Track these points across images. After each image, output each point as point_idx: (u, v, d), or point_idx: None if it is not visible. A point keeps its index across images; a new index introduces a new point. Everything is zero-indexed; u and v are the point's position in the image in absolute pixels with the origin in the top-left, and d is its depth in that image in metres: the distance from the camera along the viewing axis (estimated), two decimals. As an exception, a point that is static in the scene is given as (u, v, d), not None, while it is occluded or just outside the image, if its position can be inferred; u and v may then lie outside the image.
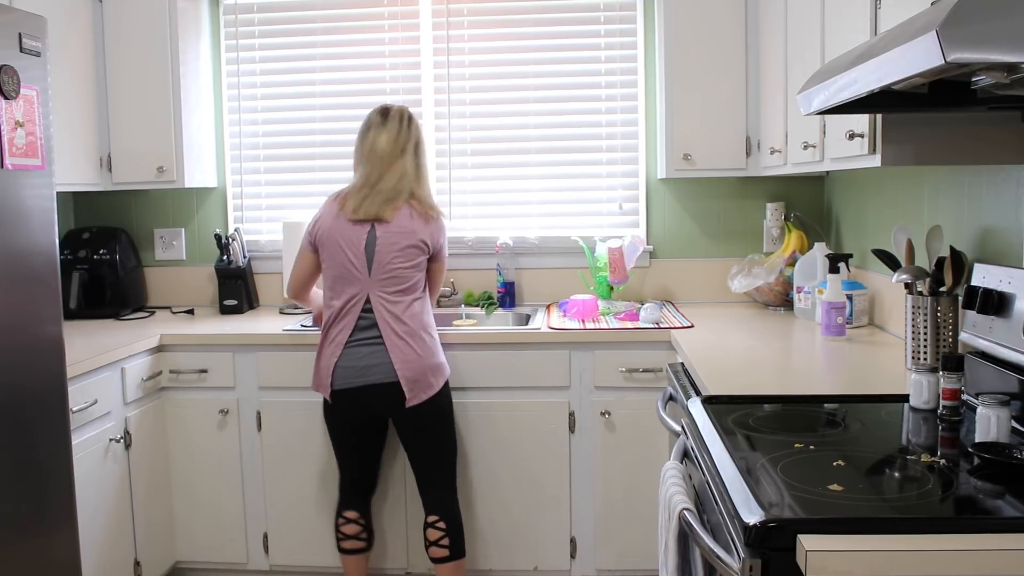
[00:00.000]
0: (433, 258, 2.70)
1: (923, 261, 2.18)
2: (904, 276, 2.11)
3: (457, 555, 2.69)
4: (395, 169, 2.62)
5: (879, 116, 1.87)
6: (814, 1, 2.36)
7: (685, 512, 1.55)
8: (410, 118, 2.69)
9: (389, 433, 2.84)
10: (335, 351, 2.59)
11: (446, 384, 2.67)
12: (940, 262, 2.07)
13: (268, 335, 2.99)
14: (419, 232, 2.61)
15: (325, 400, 2.66)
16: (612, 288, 3.32)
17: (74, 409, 2.43)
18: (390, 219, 2.58)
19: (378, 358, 2.56)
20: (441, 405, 2.66)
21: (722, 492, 1.42)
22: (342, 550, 2.78)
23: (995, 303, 1.80)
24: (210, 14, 3.55)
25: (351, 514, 2.76)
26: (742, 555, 1.24)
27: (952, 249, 2.04)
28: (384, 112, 2.68)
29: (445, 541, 2.67)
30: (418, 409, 2.59)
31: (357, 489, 2.79)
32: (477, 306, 3.45)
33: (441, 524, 2.68)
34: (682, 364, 2.53)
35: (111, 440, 2.68)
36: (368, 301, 2.58)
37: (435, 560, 2.69)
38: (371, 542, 2.81)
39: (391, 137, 2.63)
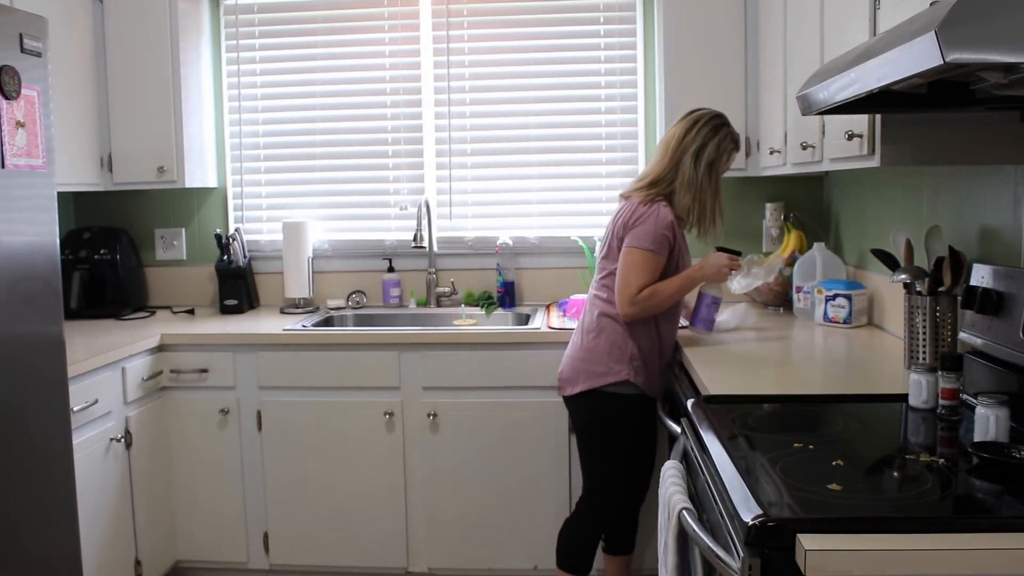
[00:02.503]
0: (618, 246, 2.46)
1: (922, 261, 2.18)
2: (903, 276, 2.11)
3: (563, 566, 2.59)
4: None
5: (878, 116, 1.87)
6: (813, 2, 2.36)
7: (684, 512, 1.55)
8: (697, 122, 2.46)
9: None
10: None
11: (597, 395, 2.46)
12: (939, 262, 2.08)
13: (268, 335, 3.00)
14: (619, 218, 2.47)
15: None
16: (612, 288, 3.32)
17: (75, 409, 2.44)
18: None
19: None
20: (586, 410, 2.51)
21: (721, 492, 1.42)
22: None
23: (994, 303, 1.81)
24: (210, 15, 3.55)
25: None
26: (741, 554, 1.25)
27: (951, 249, 2.05)
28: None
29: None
30: (567, 402, 2.56)
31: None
32: (477, 306, 3.45)
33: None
34: (681, 363, 2.53)
35: (112, 440, 2.68)
36: None
37: None
38: (607, 546, 2.72)
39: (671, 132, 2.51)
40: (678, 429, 2.01)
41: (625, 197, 2.53)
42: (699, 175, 2.41)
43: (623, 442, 2.52)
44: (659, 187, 2.45)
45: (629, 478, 2.60)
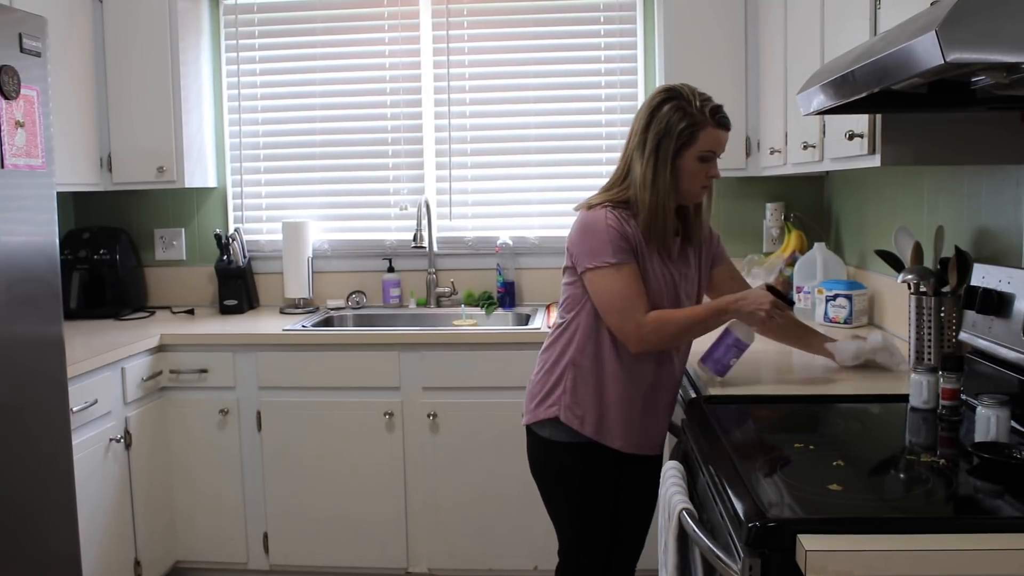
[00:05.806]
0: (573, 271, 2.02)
1: (929, 261, 2.18)
2: (909, 276, 2.11)
3: None
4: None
5: (879, 116, 1.87)
6: (814, 1, 2.36)
7: (684, 512, 1.55)
8: (640, 110, 2.04)
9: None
10: None
11: (531, 433, 2.09)
12: (943, 262, 2.07)
13: (268, 335, 2.99)
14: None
15: None
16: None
17: (74, 409, 2.43)
18: None
19: None
20: (531, 449, 2.12)
21: (721, 492, 1.42)
22: None
23: (995, 303, 1.80)
24: (210, 14, 3.55)
25: None
26: (742, 555, 1.24)
27: (957, 249, 2.04)
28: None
29: None
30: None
31: None
32: (477, 306, 3.45)
33: None
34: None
35: (111, 440, 2.68)
36: None
37: None
38: None
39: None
40: (679, 429, 2.01)
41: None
42: (644, 168, 1.94)
43: (569, 495, 2.10)
44: (612, 191, 2.00)
45: (593, 541, 2.11)
